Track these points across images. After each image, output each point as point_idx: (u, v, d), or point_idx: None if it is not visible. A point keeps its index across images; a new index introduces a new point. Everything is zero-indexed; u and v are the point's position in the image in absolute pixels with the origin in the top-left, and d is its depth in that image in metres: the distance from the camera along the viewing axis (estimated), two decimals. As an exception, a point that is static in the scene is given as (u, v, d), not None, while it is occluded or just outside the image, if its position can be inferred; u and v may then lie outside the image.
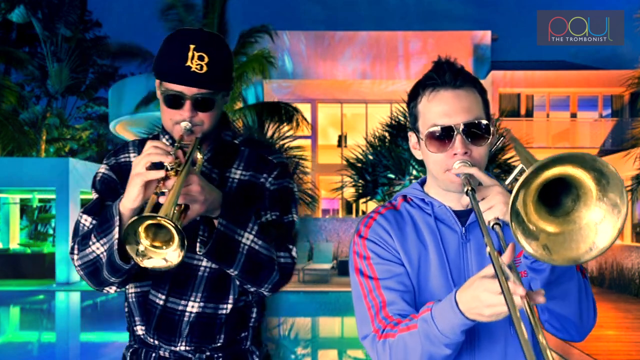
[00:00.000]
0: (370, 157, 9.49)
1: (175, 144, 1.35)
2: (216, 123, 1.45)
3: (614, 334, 7.22)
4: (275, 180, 1.50)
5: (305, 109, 16.89)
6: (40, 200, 17.38)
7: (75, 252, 1.40)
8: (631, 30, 10.52)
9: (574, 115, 17.87)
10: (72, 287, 12.81)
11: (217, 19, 12.75)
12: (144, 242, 1.16)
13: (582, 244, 0.93)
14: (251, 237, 1.36)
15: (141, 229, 1.14)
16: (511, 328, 1.15)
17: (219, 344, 1.47)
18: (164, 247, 1.16)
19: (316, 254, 13.90)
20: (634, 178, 10.87)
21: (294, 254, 1.48)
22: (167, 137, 1.48)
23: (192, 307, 1.44)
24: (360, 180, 9.70)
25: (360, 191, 9.76)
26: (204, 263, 1.44)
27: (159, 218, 1.10)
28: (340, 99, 19.87)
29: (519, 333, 0.86)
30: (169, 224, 1.10)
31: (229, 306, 1.46)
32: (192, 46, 1.33)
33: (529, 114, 17.80)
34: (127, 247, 1.15)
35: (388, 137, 9.27)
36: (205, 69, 1.33)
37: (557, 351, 6.04)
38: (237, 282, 1.44)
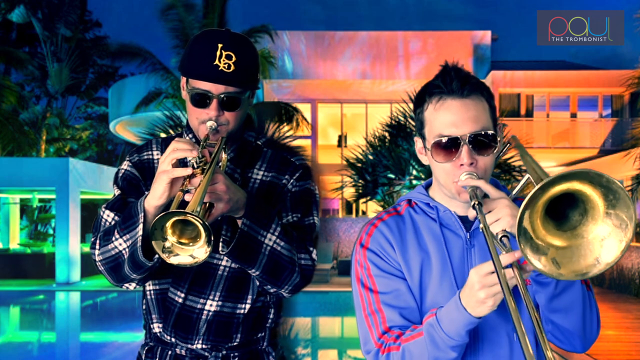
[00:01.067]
0: (370, 157, 9.48)
1: (201, 143, 1.35)
2: (241, 123, 1.46)
3: (614, 334, 7.22)
4: (297, 182, 1.50)
5: (305, 109, 16.89)
6: (40, 200, 17.38)
7: (97, 247, 1.40)
8: (631, 30, 10.52)
9: (574, 115, 17.87)
10: (72, 287, 12.81)
11: (217, 19, 12.75)
12: (171, 239, 1.16)
13: (590, 258, 0.94)
14: (274, 238, 1.36)
15: (168, 225, 1.14)
16: (515, 335, 1.15)
17: (235, 343, 1.47)
18: (191, 244, 1.16)
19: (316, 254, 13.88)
20: (634, 178, 10.87)
21: (314, 256, 1.48)
22: (190, 135, 1.48)
23: (211, 305, 1.44)
24: (360, 180, 9.69)
25: (360, 191, 9.75)
26: (224, 262, 1.45)
27: (187, 215, 1.10)
28: (340, 99, 19.87)
29: (513, 316, 0.90)
30: (197, 220, 1.10)
31: (247, 306, 1.46)
32: (220, 45, 1.35)
33: (529, 114, 17.80)
34: (154, 243, 1.15)
35: (388, 137, 9.25)
36: (232, 68, 1.35)
37: (557, 351, 6.04)
38: (258, 283, 1.44)
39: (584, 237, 0.94)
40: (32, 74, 22.04)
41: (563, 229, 0.96)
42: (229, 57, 1.34)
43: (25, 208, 17.60)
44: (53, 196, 14.87)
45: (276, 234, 1.37)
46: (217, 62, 1.34)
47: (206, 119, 1.38)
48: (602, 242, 0.93)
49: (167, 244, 1.16)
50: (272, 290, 1.44)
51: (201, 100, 1.38)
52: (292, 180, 1.50)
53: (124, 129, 19.25)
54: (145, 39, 14.53)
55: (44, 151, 19.44)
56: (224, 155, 1.40)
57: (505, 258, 0.97)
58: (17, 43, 23.06)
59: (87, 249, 15.41)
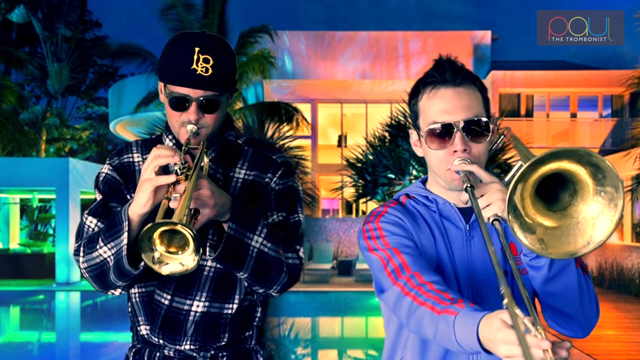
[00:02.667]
0: (370, 157, 9.49)
1: (183, 148, 1.35)
2: (221, 124, 1.46)
3: (614, 334, 7.22)
4: (280, 180, 1.50)
5: (305, 109, 16.88)
6: (40, 200, 17.37)
7: (81, 254, 1.39)
8: (631, 30, 10.52)
9: (574, 115, 17.87)
10: (72, 287, 12.81)
11: (217, 19, 12.75)
12: (159, 249, 1.16)
13: (580, 238, 0.94)
14: (260, 239, 1.36)
15: (156, 236, 1.14)
16: None
17: (223, 343, 1.47)
18: (179, 252, 1.16)
19: (316, 254, 13.90)
20: (634, 178, 10.86)
21: (301, 254, 1.48)
22: (170, 137, 1.48)
23: (198, 306, 1.44)
24: (360, 180, 9.70)
25: (360, 191, 9.76)
26: (210, 263, 1.44)
27: (175, 225, 1.10)
28: (340, 99, 19.87)
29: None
30: (186, 230, 1.10)
31: (235, 306, 1.47)
32: (197, 49, 1.33)
33: (529, 114, 17.79)
34: (143, 256, 1.15)
35: (388, 137, 9.26)
36: (210, 71, 1.33)
37: (559, 337, 6.04)
38: (246, 284, 1.44)
39: (574, 218, 0.95)
40: (32, 74, 22.05)
41: (553, 210, 0.97)
42: (206, 61, 1.33)
43: (25, 208, 17.59)
44: (53, 196, 14.87)
45: (263, 235, 1.36)
46: (194, 66, 1.32)
47: (186, 121, 1.37)
48: (593, 222, 0.93)
49: (157, 255, 1.16)
50: (260, 291, 1.44)
51: (180, 103, 1.36)
52: (274, 179, 1.49)
53: (124, 129, 19.24)
54: (145, 39, 14.53)
55: (44, 151, 19.44)
56: (206, 159, 1.40)
57: (534, 342, 0.85)
58: (17, 43, 23.06)
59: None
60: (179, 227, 1.10)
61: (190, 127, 1.37)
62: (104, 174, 1.50)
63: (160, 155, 1.25)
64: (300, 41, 18.30)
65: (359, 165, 9.69)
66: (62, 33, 20.66)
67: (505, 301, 0.87)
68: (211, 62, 1.34)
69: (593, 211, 0.93)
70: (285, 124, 11.67)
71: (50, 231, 17.69)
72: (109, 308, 11.74)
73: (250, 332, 1.53)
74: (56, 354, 7.63)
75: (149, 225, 1.12)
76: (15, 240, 16.72)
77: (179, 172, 1.25)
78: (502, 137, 1.33)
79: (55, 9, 20.39)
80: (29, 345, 8.38)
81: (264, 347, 1.60)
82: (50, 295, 12.39)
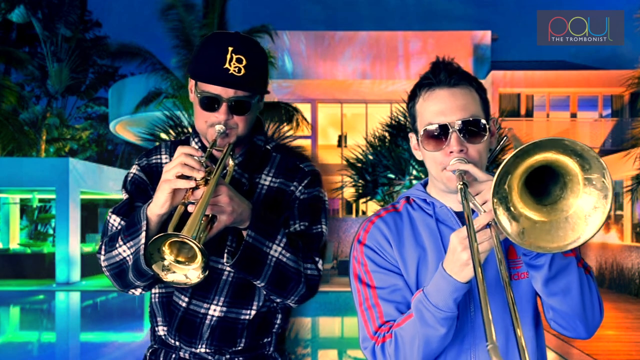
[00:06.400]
0: (370, 157, 9.49)
1: (208, 149, 1.34)
2: (250, 127, 1.44)
3: (614, 334, 7.22)
4: (306, 189, 1.48)
5: (305, 109, 16.88)
6: (40, 200, 17.38)
7: (102, 252, 1.40)
8: (631, 30, 10.52)
9: (574, 115, 17.87)
10: (72, 287, 12.81)
11: (217, 19, 12.75)
12: (169, 258, 1.16)
13: (570, 232, 0.94)
14: (279, 249, 1.34)
15: (165, 247, 1.14)
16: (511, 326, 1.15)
17: (239, 348, 1.46)
18: (187, 264, 1.16)
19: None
20: (634, 178, 10.86)
21: (320, 266, 1.45)
22: (196, 140, 1.47)
23: (215, 310, 1.43)
24: (360, 180, 9.70)
25: (360, 191, 9.76)
26: (229, 267, 1.43)
27: (184, 238, 1.09)
28: (340, 99, 19.86)
29: (479, 286, 0.90)
30: (194, 244, 1.09)
31: (253, 312, 1.45)
32: (230, 48, 1.33)
33: (529, 114, 17.79)
34: (153, 266, 1.15)
35: (388, 137, 9.26)
36: (243, 71, 1.33)
37: (557, 351, 6.04)
38: (264, 292, 1.43)
39: (564, 211, 0.95)
40: (32, 74, 22.05)
41: (543, 204, 0.97)
42: (239, 61, 1.32)
43: (25, 208, 17.59)
44: (53, 196, 14.87)
45: (282, 244, 1.34)
46: (227, 65, 1.32)
47: (215, 122, 1.36)
48: (583, 216, 0.93)
49: (166, 262, 1.16)
50: (278, 300, 1.43)
51: (210, 103, 1.35)
52: (300, 187, 1.47)
53: (124, 129, 19.25)
54: (145, 39, 14.53)
55: (44, 151, 19.43)
56: (231, 162, 1.38)
57: (483, 218, 0.99)
58: (17, 43, 23.06)
59: (87, 249, 15.41)
60: (188, 241, 1.09)
61: (218, 127, 1.35)
62: (132, 174, 1.50)
63: (187, 164, 1.23)
64: (300, 41, 18.30)
65: (359, 165, 9.69)
66: (62, 33, 20.65)
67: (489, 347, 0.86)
68: (244, 62, 1.33)
69: (584, 204, 0.93)
70: (285, 124, 11.67)
71: (50, 231, 17.69)
72: (109, 308, 11.74)
73: (269, 339, 1.50)
74: (56, 354, 7.62)
75: (158, 235, 1.11)
76: (15, 240, 16.72)
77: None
78: (505, 138, 1.33)
79: (55, 9, 20.38)
80: (29, 345, 8.37)
81: (284, 354, 1.55)
82: (50, 295, 12.39)
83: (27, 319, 11.06)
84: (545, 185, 0.98)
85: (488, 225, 0.98)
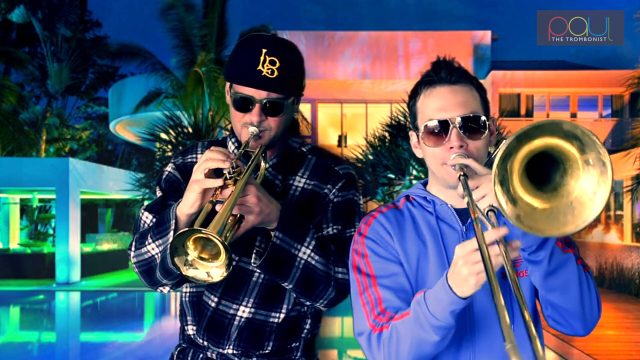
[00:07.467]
0: (370, 157, 9.48)
1: (240, 150, 1.34)
2: (285, 129, 1.43)
3: (614, 334, 7.22)
4: (340, 192, 1.47)
5: (305, 109, 16.91)
6: (40, 200, 17.38)
7: (132, 249, 1.40)
8: (631, 30, 10.51)
9: (574, 115, 17.87)
10: (72, 287, 12.81)
11: (217, 19, 12.76)
12: (192, 254, 1.16)
13: (570, 217, 0.93)
14: (308, 251, 1.34)
15: (189, 242, 1.14)
16: (512, 325, 1.15)
17: (267, 351, 1.45)
18: (210, 261, 1.16)
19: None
20: (634, 178, 10.86)
21: None
22: (233, 140, 1.48)
23: (243, 311, 1.43)
24: (360, 180, 9.69)
25: (360, 191, 9.76)
26: (257, 268, 1.41)
27: (209, 234, 1.09)
28: (340, 99, 19.87)
29: (494, 296, 0.87)
30: (218, 240, 1.09)
31: (282, 315, 1.44)
32: (264, 50, 1.33)
33: (529, 114, 17.80)
34: (176, 259, 1.15)
35: (388, 137, 9.26)
36: (276, 73, 1.33)
37: (557, 351, 6.04)
38: (294, 295, 1.43)
39: (565, 197, 0.94)
40: (32, 74, 22.05)
41: (544, 190, 0.96)
42: (272, 63, 1.33)
43: (25, 208, 17.60)
44: (53, 196, 14.87)
45: (311, 247, 1.34)
46: (260, 67, 1.32)
47: (248, 122, 1.36)
48: (584, 200, 0.93)
49: (189, 258, 1.16)
50: (307, 304, 1.42)
51: (244, 104, 1.36)
52: (334, 190, 1.46)
53: (124, 129, 19.25)
54: (145, 39, 14.54)
55: (44, 151, 19.44)
56: (262, 164, 1.38)
57: (490, 234, 0.95)
58: (17, 43, 23.07)
59: (87, 248, 15.42)
60: (212, 237, 1.09)
61: (252, 129, 1.35)
62: (167, 172, 1.51)
63: (212, 158, 1.24)
64: (300, 41, 18.31)
65: (359, 165, 9.68)
66: (62, 33, 20.66)
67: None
68: (277, 64, 1.33)
69: (586, 186, 0.93)
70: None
71: (50, 231, 17.70)
72: (109, 308, 11.75)
73: (297, 344, 1.49)
74: (56, 354, 7.62)
75: (183, 230, 1.11)
76: (15, 240, 16.72)
77: (228, 176, 1.23)
78: (505, 139, 1.34)
79: (55, 9, 20.38)
80: (29, 345, 8.37)
81: (312, 359, 1.53)
82: (50, 295, 12.39)
83: (27, 319, 11.06)
84: (545, 173, 0.98)
85: (496, 242, 0.95)
